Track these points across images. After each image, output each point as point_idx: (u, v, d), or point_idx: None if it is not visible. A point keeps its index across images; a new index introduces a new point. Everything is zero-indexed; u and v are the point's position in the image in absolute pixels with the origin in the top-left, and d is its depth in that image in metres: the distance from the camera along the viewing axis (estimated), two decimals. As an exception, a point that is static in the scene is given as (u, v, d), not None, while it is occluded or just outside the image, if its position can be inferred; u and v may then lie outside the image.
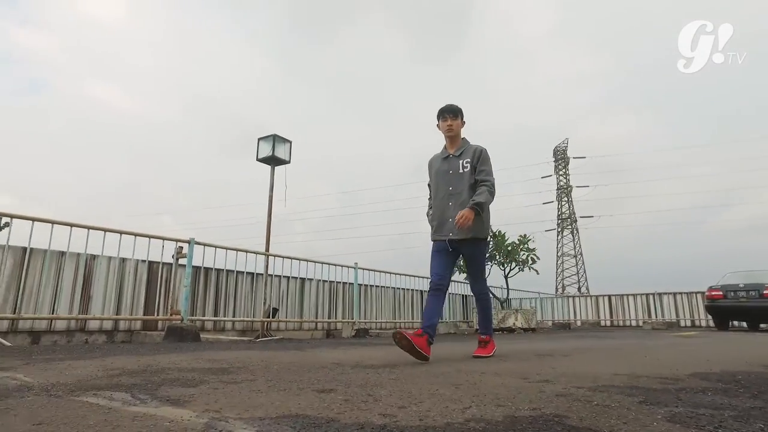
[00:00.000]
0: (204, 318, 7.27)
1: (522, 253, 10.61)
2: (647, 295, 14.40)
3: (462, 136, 3.53)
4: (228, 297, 8.03)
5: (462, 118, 3.53)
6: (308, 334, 9.82)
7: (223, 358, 3.08)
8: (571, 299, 16.21)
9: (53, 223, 4.44)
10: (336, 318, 9.68)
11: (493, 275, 10.93)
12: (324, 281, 9.46)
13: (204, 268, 7.15)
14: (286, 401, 1.62)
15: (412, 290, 11.25)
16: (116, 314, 7.04)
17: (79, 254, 6.53)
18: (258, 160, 7.25)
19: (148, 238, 5.16)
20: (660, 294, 14.16)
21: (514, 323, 9.56)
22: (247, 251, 6.18)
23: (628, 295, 14.82)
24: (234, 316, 8.09)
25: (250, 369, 2.50)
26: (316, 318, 9.47)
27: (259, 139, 7.28)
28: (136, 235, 4.94)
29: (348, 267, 8.20)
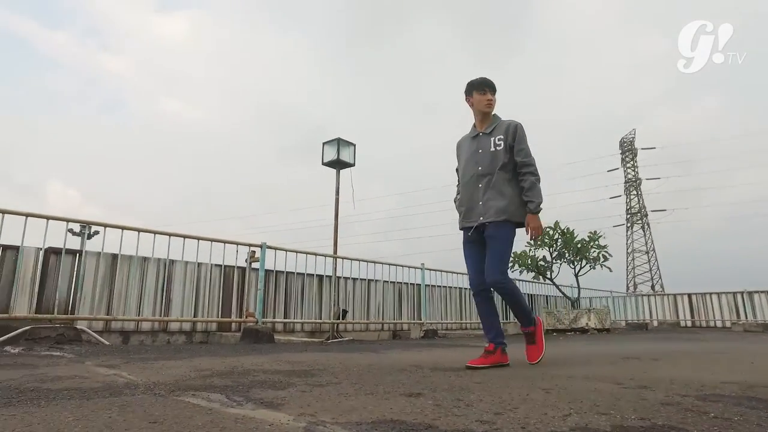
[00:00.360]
0: (276, 320, 7.50)
1: (593, 250, 10.14)
2: (735, 293, 13.31)
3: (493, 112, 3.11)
4: (296, 299, 8.24)
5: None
6: (375, 335, 9.88)
7: (301, 360, 3.14)
8: (645, 298, 15.31)
9: (139, 231, 4.73)
10: (402, 319, 9.68)
11: (563, 274, 10.53)
12: (389, 282, 9.50)
13: (274, 270, 7.37)
14: (377, 405, 1.61)
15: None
16: (193, 316, 7.41)
17: (159, 259, 6.93)
18: (323, 164, 7.38)
19: (223, 244, 5.39)
20: (751, 292, 13.05)
21: (587, 323, 9.15)
22: (316, 254, 6.30)
23: (711, 293, 13.76)
24: (302, 318, 8.29)
25: (332, 372, 2.52)
26: (382, 319, 9.52)
27: (324, 144, 7.41)
28: (212, 240, 5.17)
29: (414, 268, 8.19)
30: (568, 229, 10.36)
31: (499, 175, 2.92)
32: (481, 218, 2.92)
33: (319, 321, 7.92)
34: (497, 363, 2.82)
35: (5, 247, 6.23)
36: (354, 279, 8.59)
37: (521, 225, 2.96)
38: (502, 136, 2.95)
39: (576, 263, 10.23)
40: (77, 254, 6.80)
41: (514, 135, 2.95)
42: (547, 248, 10.44)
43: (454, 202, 3.23)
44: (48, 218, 4.35)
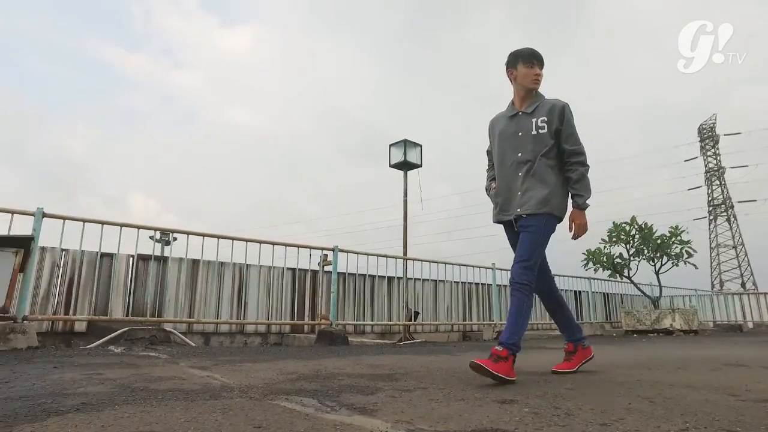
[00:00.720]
0: (349, 322, 7.61)
1: (674, 246, 9.49)
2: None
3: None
4: (366, 300, 8.33)
5: None
6: (444, 336, 9.79)
7: (381, 363, 3.15)
8: (737, 297, 14.12)
9: (219, 237, 4.95)
10: (471, 320, 9.53)
11: (642, 271, 9.94)
12: (457, 283, 9.38)
13: (344, 273, 7.49)
14: (472, 413, 1.56)
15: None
16: (267, 316, 7.68)
17: (235, 264, 7.24)
18: (391, 166, 7.40)
19: (297, 248, 5.55)
20: None
21: (671, 324, 8.57)
22: (387, 256, 6.34)
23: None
24: (372, 320, 8.36)
25: (415, 376, 2.50)
26: (451, 320, 9.41)
27: (390, 146, 7.44)
28: (286, 245, 5.33)
29: (485, 268, 8.04)
30: (645, 224, 9.76)
31: (542, 162, 2.55)
32: (519, 210, 2.56)
33: (390, 323, 7.95)
34: (583, 362, 2.71)
35: (103, 254, 6.76)
36: (422, 280, 8.56)
37: (558, 219, 2.59)
38: (545, 118, 2.57)
39: (656, 260, 9.62)
40: (161, 260, 7.25)
41: (562, 117, 2.57)
42: (623, 245, 9.90)
43: (486, 191, 2.89)
44: (138, 228, 4.65)
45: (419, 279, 8.29)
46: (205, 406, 1.60)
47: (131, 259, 7.02)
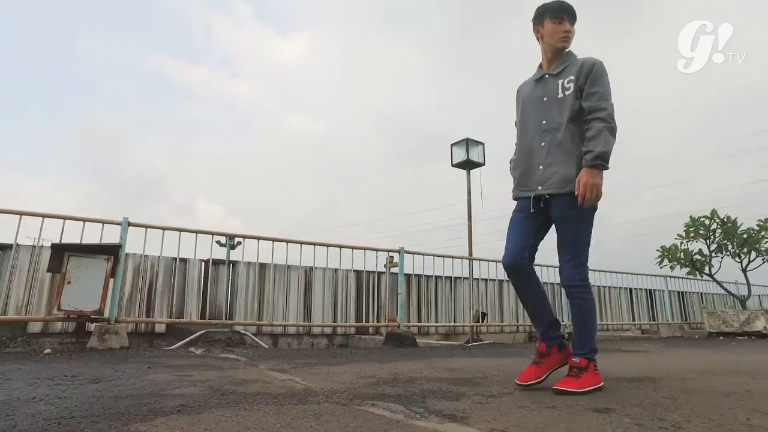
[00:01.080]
0: (414, 323, 7.60)
1: (765, 240, 8.73)
2: None
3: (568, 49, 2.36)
4: (429, 301, 8.30)
5: None
6: (509, 337, 9.58)
7: (457, 366, 3.10)
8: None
9: (288, 242, 5.07)
10: (537, 321, 9.24)
11: (726, 269, 9.23)
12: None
13: (408, 274, 7.48)
14: (569, 422, 1.49)
15: (629, 288, 10.19)
16: (333, 317, 7.81)
17: (300, 267, 7.41)
18: (453, 165, 7.33)
19: (363, 251, 5.60)
20: None
21: (765, 327, 7.89)
22: (453, 257, 6.27)
23: None
24: (436, 321, 8.30)
25: (495, 380, 2.43)
26: (517, 321, 9.18)
27: (452, 145, 7.35)
28: (353, 248, 5.39)
29: (550, 267, 7.75)
30: (728, 217, 9.05)
31: (568, 131, 2.19)
32: (540, 187, 2.22)
33: (455, 324, 7.85)
34: (555, 367, 2.17)
35: (176, 259, 7.14)
36: (486, 280, 8.39)
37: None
38: (572, 77, 2.22)
39: (743, 256, 8.90)
40: (230, 264, 7.56)
41: (588, 74, 2.19)
42: (703, 240, 9.24)
43: (510, 164, 2.51)
44: (213, 234, 4.85)
45: (484, 279, 8.14)
46: (295, 411, 1.62)
47: (203, 263, 7.37)
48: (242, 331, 5.43)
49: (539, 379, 2.12)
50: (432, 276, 7.85)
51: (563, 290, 2.30)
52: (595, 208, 2.17)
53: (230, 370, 2.65)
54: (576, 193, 2.08)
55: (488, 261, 6.92)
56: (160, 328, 6.93)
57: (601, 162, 2.06)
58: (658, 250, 9.47)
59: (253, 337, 5.18)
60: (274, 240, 5.01)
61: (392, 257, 6.44)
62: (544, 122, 2.28)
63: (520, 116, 2.43)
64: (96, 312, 3.91)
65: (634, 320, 10.91)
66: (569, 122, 2.20)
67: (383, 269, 7.59)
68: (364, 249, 5.50)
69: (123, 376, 2.35)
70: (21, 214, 3.88)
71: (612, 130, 2.11)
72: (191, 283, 7.09)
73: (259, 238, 4.95)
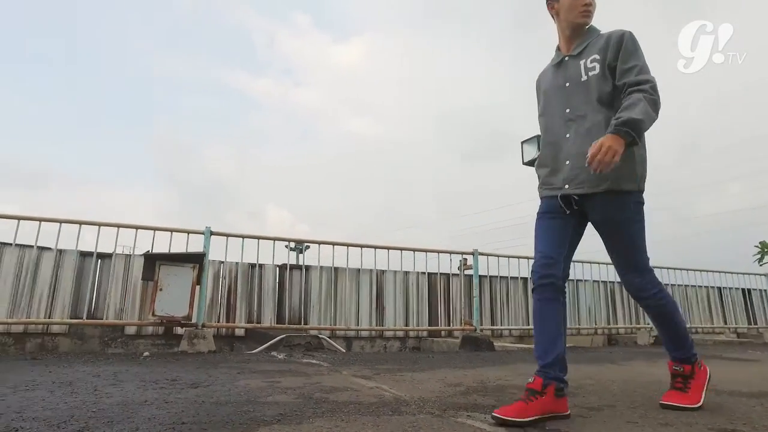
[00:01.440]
0: (487, 327, 7.45)
1: None
2: None
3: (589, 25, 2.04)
4: (502, 303, 8.09)
5: None
6: (586, 340, 9.13)
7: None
8: None
9: (363, 246, 5.13)
10: (617, 323, 8.77)
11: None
12: (598, 282, 8.70)
13: (487, 276, 7.38)
14: (693, 443, 1.37)
15: (716, 287, 9.45)
16: (405, 320, 7.81)
17: (371, 270, 7.47)
18: (524, 163, 7.09)
19: (437, 253, 5.57)
20: None
21: None
22: (528, 257, 6.07)
23: None
24: (509, 323, 8.08)
25: (592, 390, 2.31)
26: (594, 323, 8.74)
27: (522, 143, 7.13)
28: (427, 251, 5.37)
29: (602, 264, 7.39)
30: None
31: (596, 117, 1.87)
32: (567, 186, 1.89)
33: (529, 327, 7.60)
34: (546, 413, 1.67)
35: (251, 265, 7.42)
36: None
37: (638, 193, 1.88)
38: (597, 56, 1.90)
39: None
40: (301, 269, 7.75)
41: (618, 48, 1.86)
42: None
43: (534, 164, 2.20)
44: (288, 240, 4.98)
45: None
46: (392, 423, 1.60)
47: (278, 268, 7.61)
48: (321, 336, 5.54)
49: (522, 419, 1.61)
50: (507, 277, 7.66)
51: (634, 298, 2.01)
52: (639, 208, 1.89)
53: (316, 377, 2.69)
54: (591, 155, 1.70)
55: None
56: (239, 332, 7.23)
57: (628, 130, 1.70)
58: (757, 246, 8.70)
59: (331, 341, 5.27)
60: (348, 245, 5.09)
61: (466, 259, 6.35)
62: (567, 111, 1.96)
63: (542, 108, 2.12)
64: (185, 317, 4.14)
65: (725, 323, 10.07)
66: (597, 108, 1.88)
67: (456, 271, 7.51)
68: (438, 252, 5.45)
69: (217, 381, 2.44)
70: (118, 226, 4.19)
71: (654, 103, 1.79)
72: (267, 288, 7.32)
73: (333, 244, 5.04)
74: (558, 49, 2.11)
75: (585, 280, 8.56)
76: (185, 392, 2.11)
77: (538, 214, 2.02)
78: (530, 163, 7.17)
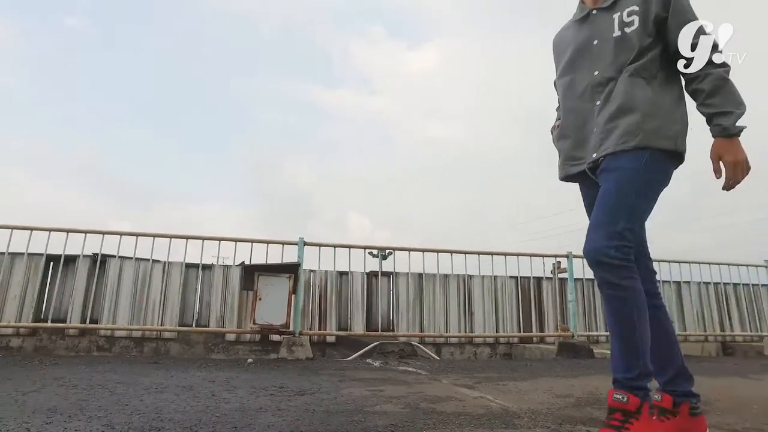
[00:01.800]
0: (581, 333, 7.09)
1: None
2: None
3: None
4: (596, 307, 7.65)
5: None
6: (696, 347, 8.36)
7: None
8: None
9: (453, 252, 5.08)
10: (733, 330, 7.96)
11: None
12: (708, 283, 7.95)
13: (575, 279, 7.04)
14: None
15: None
16: (495, 328, 7.61)
17: (459, 275, 7.38)
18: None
19: (529, 257, 5.40)
20: None
21: None
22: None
23: None
24: (605, 329, 7.62)
25: (723, 408, 2.10)
26: (705, 330, 7.99)
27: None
28: (519, 255, 5.22)
29: (755, 266, 6.64)
30: None
31: (631, 79, 1.55)
32: (595, 154, 1.58)
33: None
34: None
35: (340, 273, 7.62)
36: (661, 282, 7.47)
37: (676, 156, 1.54)
38: (635, 8, 1.57)
39: None
40: (389, 276, 7.82)
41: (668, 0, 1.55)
42: None
43: (551, 133, 1.88)
44: (378, 249, 5.03)
45: (658, 281, 7.26)
46: (508, 435, 1.55)
47: (365, 276, 7.74)
48: (414, 343, 5.55)
49: None
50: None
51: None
52: (664, 172, 1.54)
53: (417, 385, 2.68)
54: (715, 173, 1.46)
55: (659, 261, 6.16)
56: (330, 338, 7.43)
57: (737, 129, 1.45)
58: None
59: (424, 348, 5.26)
60: (438, 251, 5.07)
61: (559, 262, 6.07)
62: (595, 72, 1.63)
63: (562, 71, 1.79)
64: (283, 325, 4.31)
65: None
66: (633, 68, 1.56)
67: (549, 275, 7.23)
68: (530, 255, 5.27)
69: (322, 389, 2.51)
70: (220, 239, 4.47)
71: (729, 74, 1.53)
72: (355, 296, 7.48)
73: (423, 251, 5.06)
74: (581, 2, 1.79)
75: (690, 282, 7.87)
76: (294, 400, 2.19)
77: (582, 195, 1.75)
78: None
